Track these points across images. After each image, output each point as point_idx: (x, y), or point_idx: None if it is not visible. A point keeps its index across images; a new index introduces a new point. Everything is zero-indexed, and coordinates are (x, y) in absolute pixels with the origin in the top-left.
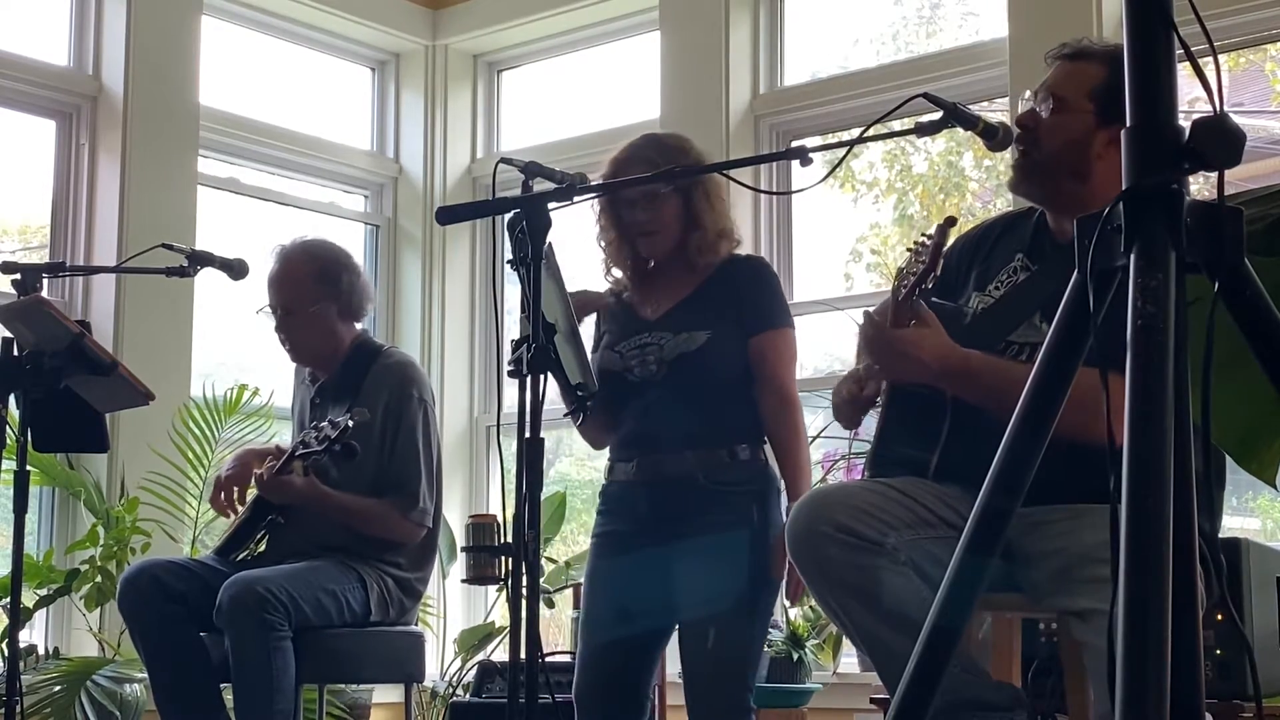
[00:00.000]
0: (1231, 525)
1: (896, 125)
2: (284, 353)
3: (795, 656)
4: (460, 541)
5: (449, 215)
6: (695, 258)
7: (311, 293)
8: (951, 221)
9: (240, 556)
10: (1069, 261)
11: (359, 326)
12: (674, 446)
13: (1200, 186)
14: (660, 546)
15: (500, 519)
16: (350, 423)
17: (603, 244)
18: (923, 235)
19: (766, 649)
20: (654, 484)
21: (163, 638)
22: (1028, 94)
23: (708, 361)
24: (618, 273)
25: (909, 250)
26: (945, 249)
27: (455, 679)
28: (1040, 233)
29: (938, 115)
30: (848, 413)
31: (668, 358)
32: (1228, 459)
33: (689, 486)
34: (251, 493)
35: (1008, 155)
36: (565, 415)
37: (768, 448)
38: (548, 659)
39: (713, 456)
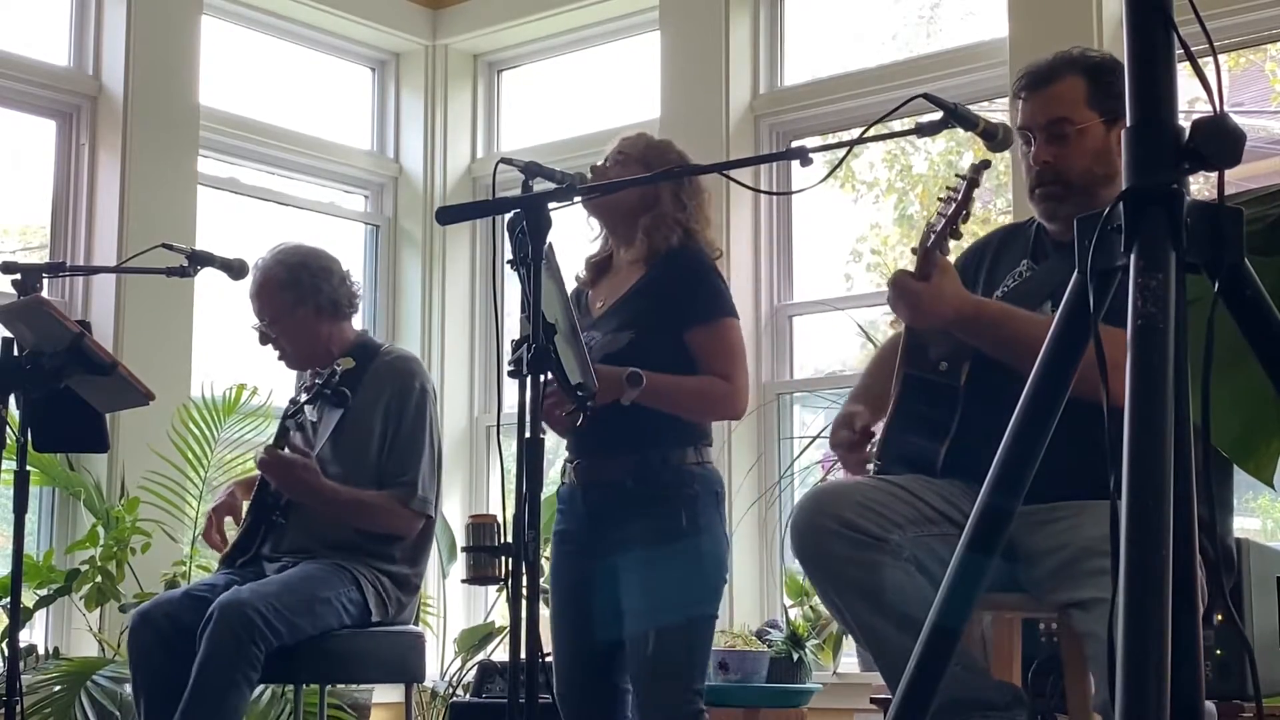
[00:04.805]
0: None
1: (897, 125)
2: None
3: (795, 656)
4: (460, 541)
5: (449, 215)
6: (644, 236)
7: (284, 299)
8: (986, 164)
9: (244, 560)
10: (1071, 257)
11: (358, 326)
12: (609, 450)
13: (1200, 186)
14: (601, 554)
15: (500, 519)
16: (337, 367)
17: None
18: (956, 176)
19: (767, 648)
20: (589, 488)
21: (166, 683)
22: (1017, 139)
23: (632, 363)
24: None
25: (940, 199)
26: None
27: (455, 679)
28: (1040, 238)
29: (938, 115)
30: (853, 460)
31: (594, 360)
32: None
33: (618, 490)
34: (249, 501)
35: (1004, 156)
36: (565, 414)
37: (707, 449)
38: (547, 659)
39: (644, 460)
